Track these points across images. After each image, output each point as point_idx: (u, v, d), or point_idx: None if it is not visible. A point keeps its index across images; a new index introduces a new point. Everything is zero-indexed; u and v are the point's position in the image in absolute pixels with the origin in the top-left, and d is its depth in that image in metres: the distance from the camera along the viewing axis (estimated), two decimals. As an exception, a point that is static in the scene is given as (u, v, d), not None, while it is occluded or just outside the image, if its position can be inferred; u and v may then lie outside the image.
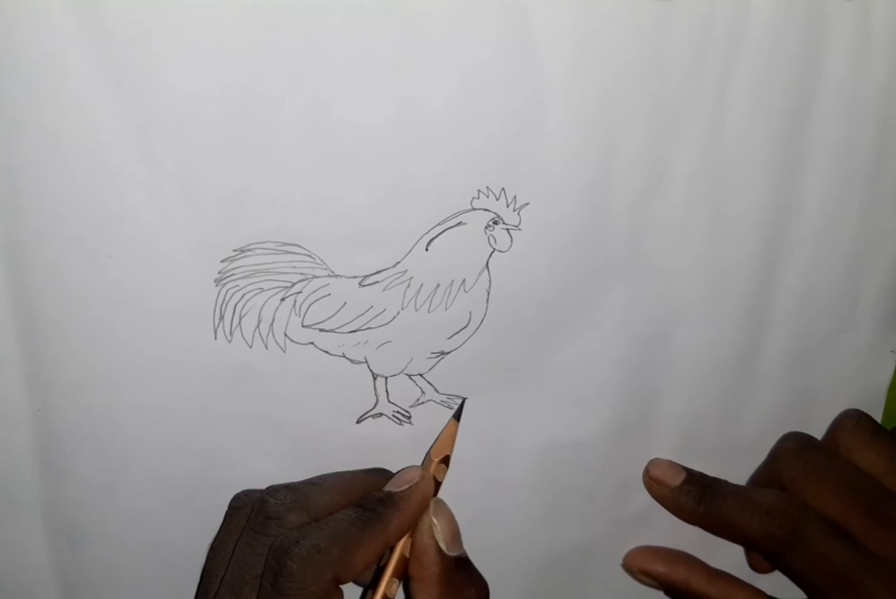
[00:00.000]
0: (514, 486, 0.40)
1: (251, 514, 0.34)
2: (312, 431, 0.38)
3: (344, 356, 0.37)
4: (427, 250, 0.36)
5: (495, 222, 0.37)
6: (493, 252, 0.37)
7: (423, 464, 0.38)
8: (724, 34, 0.36)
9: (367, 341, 0.37)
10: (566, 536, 0.41)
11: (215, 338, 0.36)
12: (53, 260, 0.35)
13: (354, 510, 0.34)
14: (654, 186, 0.37)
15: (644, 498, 0.41)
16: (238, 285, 0.36)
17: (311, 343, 0.37)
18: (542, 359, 0.39)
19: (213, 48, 0.33)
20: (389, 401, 0.39)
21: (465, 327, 0.38)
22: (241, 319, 0.36)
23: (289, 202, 0.35)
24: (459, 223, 0.36)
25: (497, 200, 0.36)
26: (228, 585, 0.33)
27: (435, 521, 0.35)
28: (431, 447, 0.38)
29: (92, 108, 0.33)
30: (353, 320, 0.37)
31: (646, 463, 0.41)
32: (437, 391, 0.39)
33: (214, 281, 0.35)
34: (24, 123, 0.33)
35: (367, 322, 0.37)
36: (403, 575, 0.35)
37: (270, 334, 0.36)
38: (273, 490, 0.35)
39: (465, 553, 0.35)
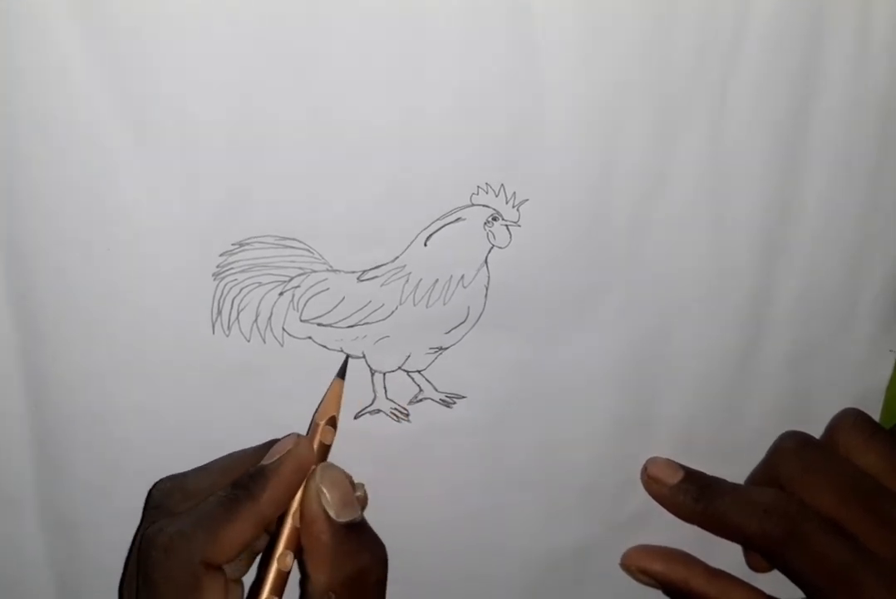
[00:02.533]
0: (512, 484, 0.40)
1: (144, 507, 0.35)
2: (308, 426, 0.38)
3: (342, 351, 0.37)
4: (426, 245, 0.36)
5: (494, 219, 0.37)
6: (491, 248, 0.37)
7: (308, 430, 0.37)
8: (726, 34, 0.36)
9: (365, 336, 0.37)
10: (564, 535, 0.41)
11: (213, 332, 0.36)
12: (50, 255, 0.35)
13: (225, 489, 0.33)
14: (655, 185, 0.37)
15: (643, 497, 0.41)
16: (236, 279, 0.36)
17: (309, 338, 0.37)
18: (541, 356, 0.39)
19: (214, 46, 0.33)
20: (387, 398, 0.38)
21: (462, 322, 0.38)
22: (239, 313, 0.36)
23: (288, 197, 0.35)
24: (458, 219, 0.36)
25: (496, 196, 0.36)
26: (126, 581, 0.33)
27: (322, 488, 0.33)
28: (316, 410, 0.37)
29: (91, 104, 0.33)
30: (351, 315, 0.37)
31: (644, 462, 0.41)
32: (435, 389, 0.39)
33: (212, 275, 0.35)
34: (23, 120, 0.33)
35: (366, 317, 0.37)
36: (298, 546, 0.34)
37: (268, 329, 0.36)
38: (159, 481, 0.35)
39: (358, 517, 0.34)
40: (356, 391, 0.38)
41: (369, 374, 0.38)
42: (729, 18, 0.36)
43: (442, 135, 0.35)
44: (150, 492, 0.35)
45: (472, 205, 0.36)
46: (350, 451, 0.38)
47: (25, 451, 0.37)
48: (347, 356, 0.37)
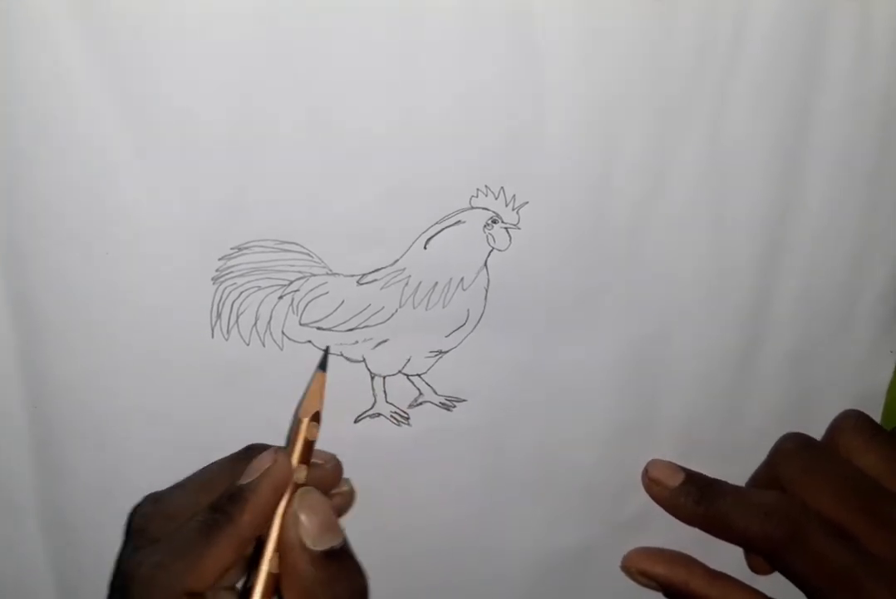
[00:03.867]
0: (512, 486, 0.40)
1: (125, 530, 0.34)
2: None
3: (342, 355, 0.37)
4: (425, 248, 0.36)
5: (494, 221, 0.36)
6: (491, 251, 0.37)
7: (291, 426, 0.36)
8: (726, 34, 0.36)
9: (364, 340, 0.37)
10: (564, 537, 0.41)
11: (212, 336, 0.36)
12: (51, 258, 0.35)
13: (203, 513, 0.32)
14: (655, 186, 0.37)
15: (643, 499, 0.40)
16: (235, 283, 0.36)
17: (309, 342, 0.37)
18: (541, 358, 0.39)
19: (212, 49, 0.33)
20: (387, 401, 0.38)
21: (462, 326, 0.38)
22: (238, 317, 0.36)
23: (287, 200, 0.35)
24: (458, 222, 0.36)
25: (496, 199, 0.36)
26: None
27: (300, 515, 0.32)
28: (298, 405, 0.36)
29: (91, 105, 0.33)
30: (350, 319, 0.37)
31: (645, 464, 0.41)
32: (435, 392, 0.39)
33: (212, 279, 0.35)
34: (23, 121, 0.33)
35: (365, 320, 0.37)
36: (273, 591, 0.33)
37: (268, 332, 0.36)
38: (140, 503, 0.34)
39: (339, 543, 0.32)
40: (356, 394, 0.38)
41: (369, 378, 0.38)
42: (729, 19, 0.36)
43: (441, 137, 0.35)
44: (131, 515, 0.35)
45: (472, 208, 0.36)
46: (350, 455, 0.38)
47: (25, 453, 0.37)
48: (327, 348, 0.37)
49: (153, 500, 0.34)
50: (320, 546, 0.32)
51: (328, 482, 0.36)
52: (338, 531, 0.33)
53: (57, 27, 0.32)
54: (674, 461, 0.41)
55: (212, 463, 0.35)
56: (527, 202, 0.36)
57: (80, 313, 0.35)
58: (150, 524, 0.33)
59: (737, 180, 0.38)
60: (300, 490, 0.33)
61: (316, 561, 0.31)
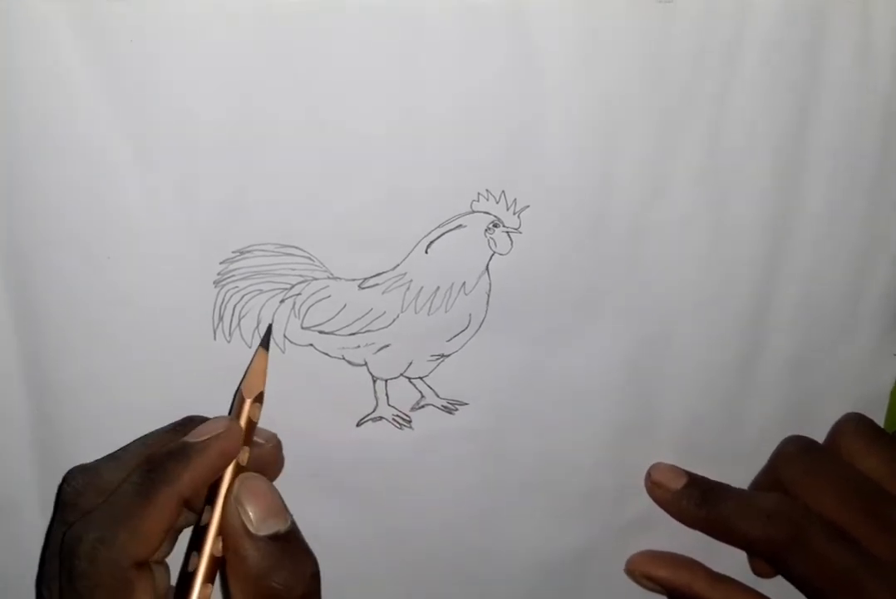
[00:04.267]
0: (514, 489, 0.40)
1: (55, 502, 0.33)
2: (312, 433, 0.38)
3: (343, 359, 0.37)
4: (427, 252, 0.36)
5: (495, 225, 0.37)
6: (493, 255, 0.37)
7: (232, 404, 0.36)
8: (726, 36, 0.36)
9: (366, 344, 0.37)
10: (566, 539, 0.41)
11: (214, 338, 0.36)
12: (53, 261, 0.35)
13: (139, 472, 0.31)
14: (655, 190, 0.37)
15: (645, 502, 0.40)
16: (237, 287, 0.36)
17: (311, 345, 0.37)
18: (542, 362, 0.39)
19: (212, 50, 0.33)
20: (389, 404, 0.38)
21: (464, 330, 0.38)
22: (240, 320, 0.36)
23: (288, 204, 0.35)
24: (459, 226, 0.36)
25: (497, 203, 0.36)
26: (43, 580, 0.32)
27: (241, 500, 0.31)
28: (241, 383, 0.34)
29: (90, 108, 0.33)
30: (352, 323, 0.37)
31: (647, 467, 0.41)
32: (437, 395, 0.39)
33: (214, 282, 0.35)
34: (23, 124, 0.33)
35: (367, 325, 0.37)
36: (214, 576, 0.32)
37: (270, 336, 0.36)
38: (69, 475, 0.33)
39: (284, 527, 0.31)
40: (358, 398, 0.38)
41: (371, 381, 0.38)
42: (729, 20, 0.36)
43: (442, 141, 0.35)
44: (60, 486, 0.33)
45: (473, 212, 0.36)
46: (352, 458, 0.38)
47: (27, 454, 0.37)
48: (270, 325, 0.36)
49: (84, 471, 0.33)
50: (264, 530, 0.31)
51: (270, 463, 0.35)
52: (283, 515, 0.32)
53: (57, 27, 0.32)
54: (675, 464, 0.41)
55: (146, 434, 0.34)
56: (528, 206, 0.36)
57: (82, 314, 0.35)
58: (80, 497, 0.32)
59: (737, 185, 0.38)
60: (242, 476, 0.32)
61: (260, 546, 0.31)
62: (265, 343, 0.35)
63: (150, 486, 0.30)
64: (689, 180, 0.38)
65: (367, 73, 0.34)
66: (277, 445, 0.36)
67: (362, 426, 0.38)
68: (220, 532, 0.31)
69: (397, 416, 0.39)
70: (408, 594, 0.40)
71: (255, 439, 0.34)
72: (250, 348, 0.36)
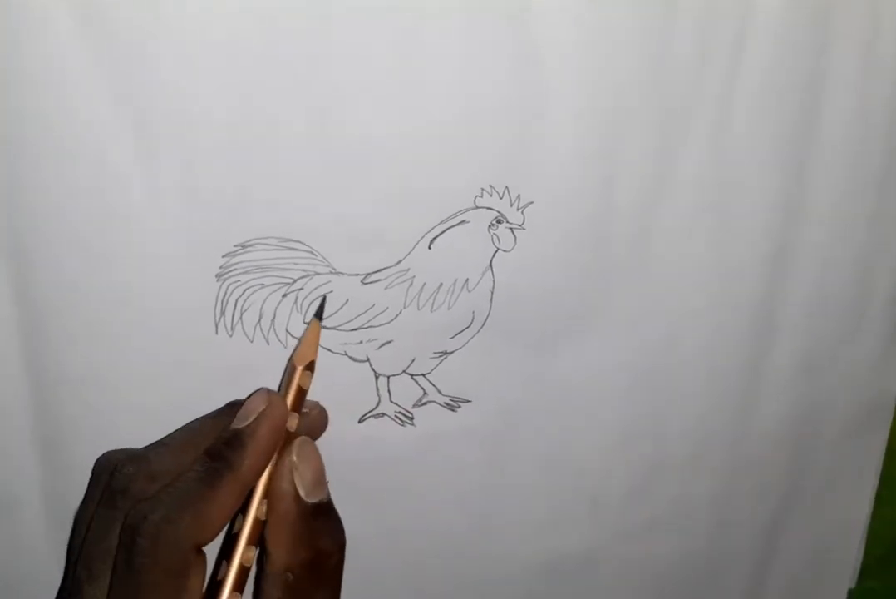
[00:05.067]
0: (517, 491, 0.40)
1: (102, 488, 0.33)
2: (313, 429, 0.38)
3: (346, 355, 0.37)
4: (430, 248, 0.36)
5: (499, 221, 0.36)
6: (496, 252, 0.37)
7: (284, 373, 0.36)
8: (729, 36, 0.36)
9: (369, 340, 0.37)
10: (569, 543, 0.41)
11: (216, 333, 0.36)
12: (54, 255, 0.35)
13: (201, 462, 0.31)
14: (660, 188, 0.37)
15: (648, 507, 0.40)
16: (239, 281, 0.36)
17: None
18: (546, 361, 0.39)
19: (214, 48, 0.33)
20: (392, 401, 0.38)
21: (467, 327, 0.38)
22: (242, 314, 0.36)
23: (290, 198, 0.35)
24: (462, 222, 0.36)
25: (500, 198, 0.36)
26: (83, 561, 0.32)
27: (297, 464, 0.32)
28: (293, 353, 0.35)
29: (92, 105, 0.33)
30: (354, 318, 0.37)
31: (652, 473, 0.40)
32: (439, 392, 0.39)
33: (216, 276, 0.35)
34: (25, 121, 0.33)
35: (369, 320, 0.37)
36: (259, 539, 0.32)
37: (272, 330, 0.36)
38: (120, 462, 0.33)
39: (326, 497, 0.33)
40: (360, 394, 0.38)
41: (373, 377, 0.38)
42: (732, 22, 0.36)
43: (446, 136, 0.35)
44: (101, 473, 0.33)
45: (477, 207, 0.36)
46: (354, 455, 0.38)
47: (29, 451, 0.37)
48: (325, 296, 0.36)
49: (133, 459, 0.33)
50: (312, 498, 0.32)
51: (315, 431, 0.36)
52: (326, 486, 0.33)
53: (57, 28, 0.32)
54: (681, 468, 0.40)
55: (193, 421, 0.35)
56: (531, 202, 0.36)
57: (85, 309, 0.35)
58: (133, 483, 0.32)
59: (742, 184, 0.38)
60: (297, 440, 0.33)
61: (306, 513, 0.32)
62: (319, 315, 0.36)
63: (213, 474, 0.31)
64: (693, 180, 0.38)
65: (371, 71, 0.34)
66: (322, 411, 0.36)
67: (364, 423, 0.38)
68: (267, 495, 0.32)
69: (399, 413, 0.39)
70: (406, 594, 0.40)
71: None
72: (252, 342, 0.36)
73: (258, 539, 0.32)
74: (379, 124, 0.34)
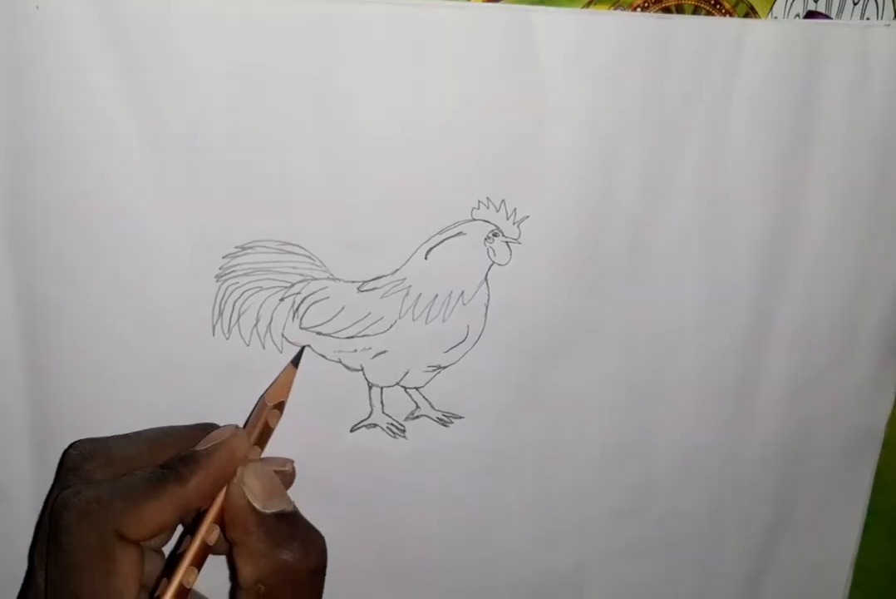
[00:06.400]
0: (507, 506, 0.40)
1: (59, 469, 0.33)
2: (305, 435, 0.38)
3: (340, 362, 0.37)
4: (426, 258, 0.37)
5: (495, 235, 0.37)
6: (492, 265, 0.37)
7: (253, 409, 0.37)
8: (725, 53, 0.36)
9: (363, 348, 0.37)
10: (560, 558, 0.40)
11: (213, 334, 0.36)
12: (55, 253, 0.35)
13: (153, 468, 0.32)
14: (655, 204, 0.38)
15: (638, 523, 0.40)
16: (238, 282, 0.36)
17: (308, 346, 0.37)
18: (539, 378, 0.39)
19: (217, 49, 0.33)
20: (384, 412, 0.38)
21: (462, 342, 0.38)
22: (239, 316, 0.36)
23: (290, 203, 0.35)
24: (459, 233, 0.37)
25: (497, 211, 0.37)
26: (37, 545, 0.32)
27: (245, 480, 0.32)
28: (266, 391, 0.36)
29: (98, 101, 0.33)
30: (350, 326, 0.37)
31: (642, 488, 0.40)
32: (432, 406, 0.39)
33: (215, 277, 0.36)
34: (30, 114, 0.33)
35: (365, 329, 0.37)
36: (202, 563, 0.32)
37: (268, 334, 0.37)
38: (78, 442, 0.34)
39: (288, 507, 0.33)
40: (353, 403, 0.38)
41: (367, 387, 0.38)
42: (728, 36, 0.36)
43: (445, 148, 0.35)
44: (65, 453, 0.34)
45: (473, 219, 0.37)
46: (344, 464, 0.38)
47: (24, 448, 0.37)
48: (303, 347, 0.37)
49: (93, 441, 0.33)
50: (270, 508, 0.32)
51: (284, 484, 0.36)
52: (287, 498, 0.33)
53: (69, 26, 0.33)
54: (671, 485, 0.40)
55: (167, 426, 0.36)
56: (527, 217, 0.37)
57: (84, 307, 0.36)
58: (86, 463, 0.32)
59: (736, 202, 0.38)
60: (248, 464, 0.33)
61: (266, 524, 0.32)
62: (296, 361, 0.36)
63: (159, 477, 0.31)
64: (687, 197, 0.38)
65: (371, 81, 0.34)
66: (292, 473, 0.36)
67: (356, 432, 0.38)
68: (220, 518, 0.32)
69: (392, 424, 0.39)
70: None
71: (273, 466, 0.35)
72: (248, 345, 0.37)
73: (202, 561, 0.32)
74: (377, 134, 0.35)
